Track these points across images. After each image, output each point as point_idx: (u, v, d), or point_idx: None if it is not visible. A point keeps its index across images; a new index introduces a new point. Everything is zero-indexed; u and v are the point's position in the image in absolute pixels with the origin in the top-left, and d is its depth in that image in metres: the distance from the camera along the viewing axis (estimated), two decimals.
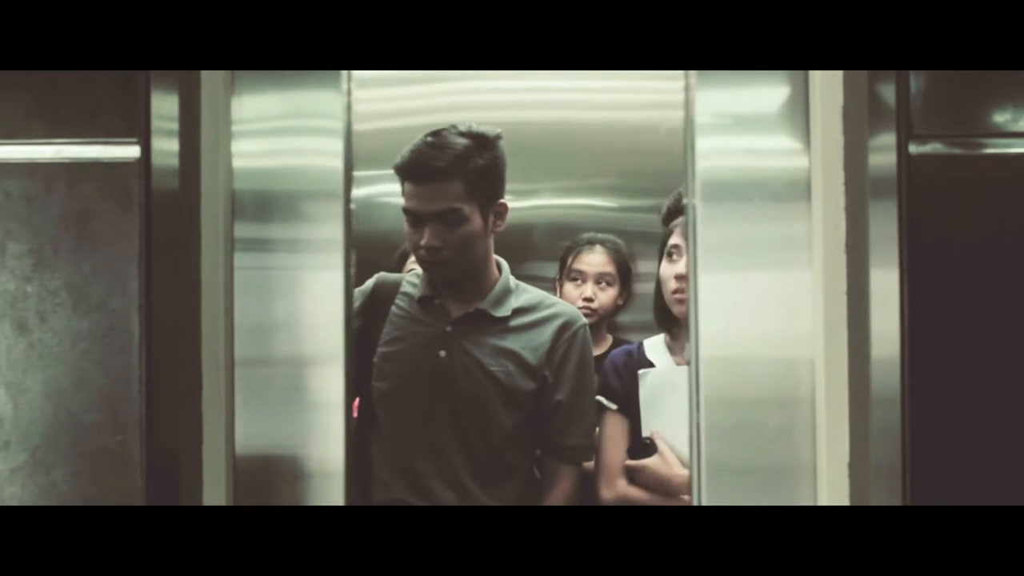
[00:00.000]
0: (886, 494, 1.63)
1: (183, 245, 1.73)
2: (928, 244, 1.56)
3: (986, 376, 1.56)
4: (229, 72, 1.82)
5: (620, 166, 3.58)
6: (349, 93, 1.88)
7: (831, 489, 1.71)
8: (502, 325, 2.31)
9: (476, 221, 2.24)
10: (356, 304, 2.43)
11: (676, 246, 2.41)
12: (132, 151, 1.62)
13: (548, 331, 2.34)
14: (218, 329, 1.78)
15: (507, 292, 2.35)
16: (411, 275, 2.44)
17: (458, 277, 2.30)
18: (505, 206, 2.30)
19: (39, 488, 1.61)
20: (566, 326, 2.35)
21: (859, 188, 1.69)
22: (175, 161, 1.70)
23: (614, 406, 2.46)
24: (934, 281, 1.56)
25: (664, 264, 2.45)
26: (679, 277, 2.36)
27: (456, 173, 2.21)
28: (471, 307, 2.31)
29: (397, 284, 2.41)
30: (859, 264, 1.68)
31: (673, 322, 2.47)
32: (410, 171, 2.22)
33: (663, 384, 2.40)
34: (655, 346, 2.53)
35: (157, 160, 1.64)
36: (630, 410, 2.43)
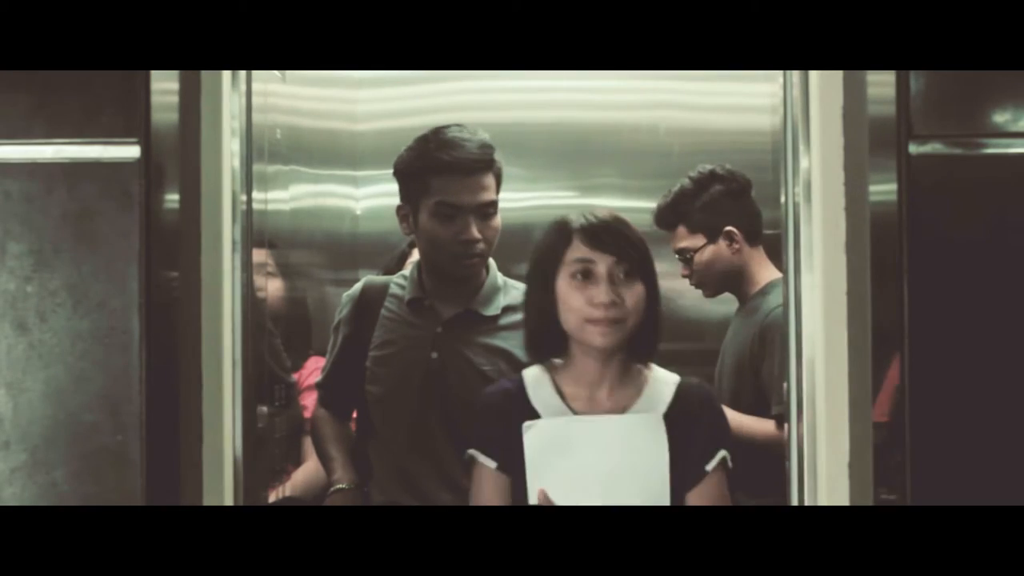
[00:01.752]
0: (886, 494, 1.63)
1: (183, 245, 1.73)
2: (928, 244, 1.56)
3: (986, 375, 1.56)
4: (230, 72, 1.82)
5: (620, 166, 3.57)
6: (249, 93, 1.88)
7: (831, 489, 1.71)
8: (492, 324, 2.31)
9: (498, 216, 2.28)
10: (345, 310, 2.43)
11: (590, 260, 1.88)
12: (132, 151, 1.62)
13: None
14: (218, 329, 1.78)
15: (496, 290, 2.35)
16: (398, 277, 2.44)
17: (474, 274, 2.30)
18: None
19: (39, 488, 1.61)
20: None
21: (859, 188, 1.69)
22: (175, 161, 1.70)
23: (492, 463, 1.91)
24: (934, 281, 1.56)
25: (568, 283, 1.89)
26: (606, 305, 1.85)
27: (490, 167, 2.25)
28: (461, 307, 2.31)
29: (385, 287, 2.41)
30: (859, 264, 1.68)
31: (564, 349, 1.93)
32: (453, 165, 2.22)
33: (556, 439, 1.86)
34: (538, 381, 1.96)
35: (157, 160, 1.64)
36: (512, 468, 1.89)
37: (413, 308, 2.36)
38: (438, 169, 2.24)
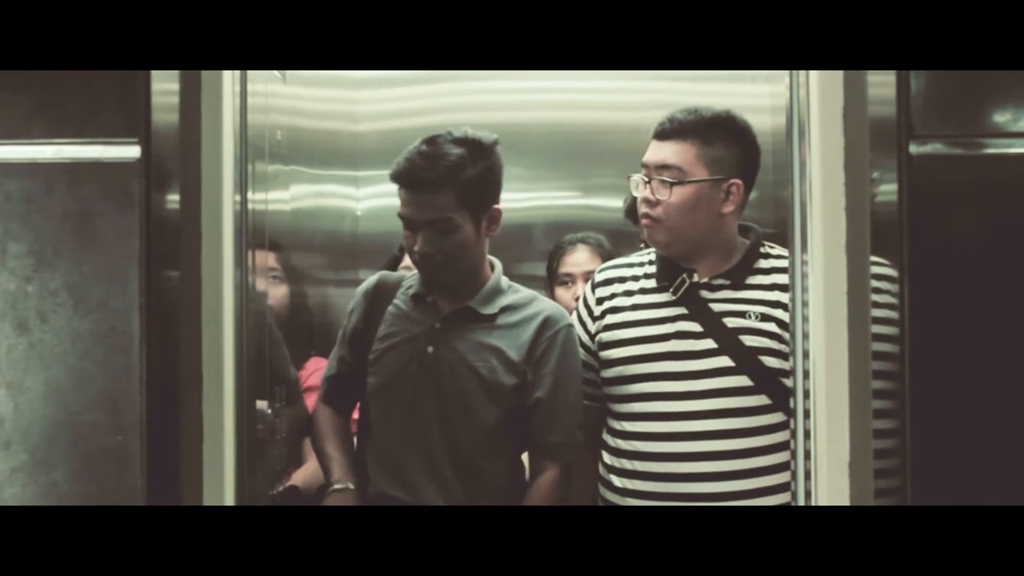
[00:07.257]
0: (886, 494, 1.63)
1: (183, 245, 1.73)
2: (928, 244, 1.56)
3: (986, 375, 1.56)
4: (230, 72, 1.82)
5: (620, 166, 3.58)
6: (243, 93, 1.87)
7: (831, 489, 1.71)
8: (489, 322, 2.33)
9: (468, 229, 2.26)
10: (355, 302, 2.46)
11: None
12: (132, 151, 1.62)
13: (530, 329, 2.35)
14: (218, 329, 1.78)
15: (497, 291, 2.37)
16: (412, 274, 2.46)
17: (451, 280, 2.32)
18: (499, 211, 2.32)
19: (39, 488, 1.61)
20: (547, 324, 2.36)
21: (859, 188, 1.69)
22: (175, 161, 1.70)
23: None
24: (934, 281, 1.56)
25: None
26: None
27: (448, 184, 2.23)
28: (460, 304, 2.34)
29: (398, 282, 2.45)
30: (859, 264, 1.68)
31: None
32: (404, 180, 2.25)
33: None
34: None
35: (157, 160, 1.64)
36: None
37: (416, 302, 2.40)
38: (397, 182, 2.30)
